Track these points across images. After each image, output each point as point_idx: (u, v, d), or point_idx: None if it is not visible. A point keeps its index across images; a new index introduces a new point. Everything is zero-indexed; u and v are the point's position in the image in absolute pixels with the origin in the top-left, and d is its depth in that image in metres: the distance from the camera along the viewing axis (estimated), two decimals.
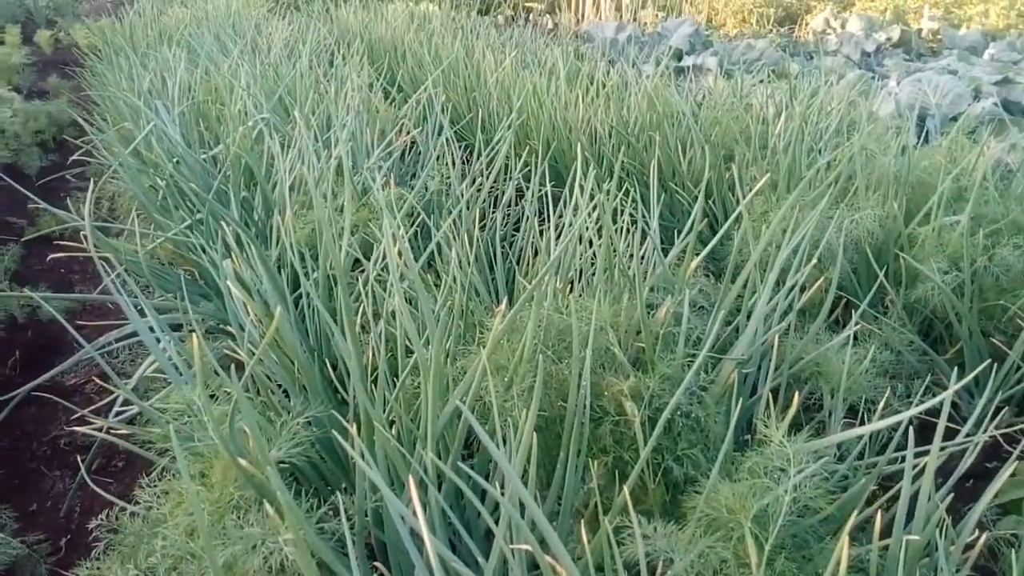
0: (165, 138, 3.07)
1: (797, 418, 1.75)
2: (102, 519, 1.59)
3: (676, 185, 2.97)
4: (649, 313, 1.73)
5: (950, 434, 1.56)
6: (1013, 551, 1.16)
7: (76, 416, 2.14)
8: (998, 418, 1.58)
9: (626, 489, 1.16)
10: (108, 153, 3.48)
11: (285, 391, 1.80)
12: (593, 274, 1.89)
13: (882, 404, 1.53)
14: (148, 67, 4.24)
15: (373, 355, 1.69)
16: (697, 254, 1.92)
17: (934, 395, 2.08)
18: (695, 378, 1.44)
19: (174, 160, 2.94)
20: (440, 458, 1.42)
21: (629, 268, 1.79)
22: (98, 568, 1.53)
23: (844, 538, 0.91)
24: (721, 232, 1.94)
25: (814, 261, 1.75)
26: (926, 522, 1.19)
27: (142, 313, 1.97)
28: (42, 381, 2.27)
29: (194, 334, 1.20)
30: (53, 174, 4.11)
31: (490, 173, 2.70)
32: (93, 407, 2.21)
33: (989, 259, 2.14)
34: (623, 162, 3.09)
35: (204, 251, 2.31)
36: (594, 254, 1.96)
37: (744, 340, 1.63)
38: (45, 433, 2.29)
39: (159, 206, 2.87)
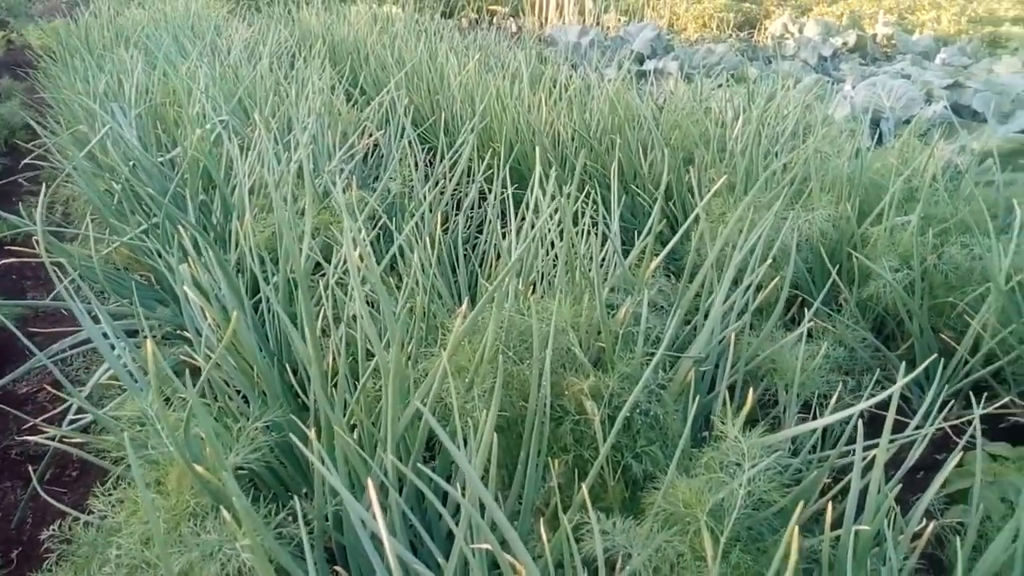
0: (121, 141, 3.01)
1: (754, 414, 1.78)
2: (54, 529, 1.56)
3: (637, 187, 3.00)
4: (610, 313, 1.75)
5: (901, 427, 1.60)
6: (958, 538, 1.20)
7: (28, 425, 2.10)
8: (945, 411, 1.62)
9: (585, 487, 1.18)
10: (62, 156, 3.41)
11: (246, 398, 1.78)
12: (555, 276, 1.90)
13: (835, 399, 1.57)
14: (104, 69, 4.16)
15: (334, 359, 1.68)
16: (657, 255, 1.94)
17: (885, 389, 2.14)
18: (653, 376, 1.46)
19: (130, 163, 2.89)
20: (402, 461, 1.42)
21: (590, 270, 1.81)
22: None
23: (793, 528, 0.93)
24: (680, 233, 1.97)
25: (769, 261, 1.78)
26: (876, 512, 1.22)
27: (96, 319, 1.93)
28: None
29: (148, 340, 1.19)
30: (4, 178, 4.02)
31: (453, 175, 2.70)
32: (46, 416, 2.16)
33: (939, 257, 2.20)
34: (586, 165, 3.12)
35: (160, 255, 2.28)
36: (556, 256, 1.97)
37: (701, 339, 1.65)
38: None
39: (115, 210, 2.82)
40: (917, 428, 1.50)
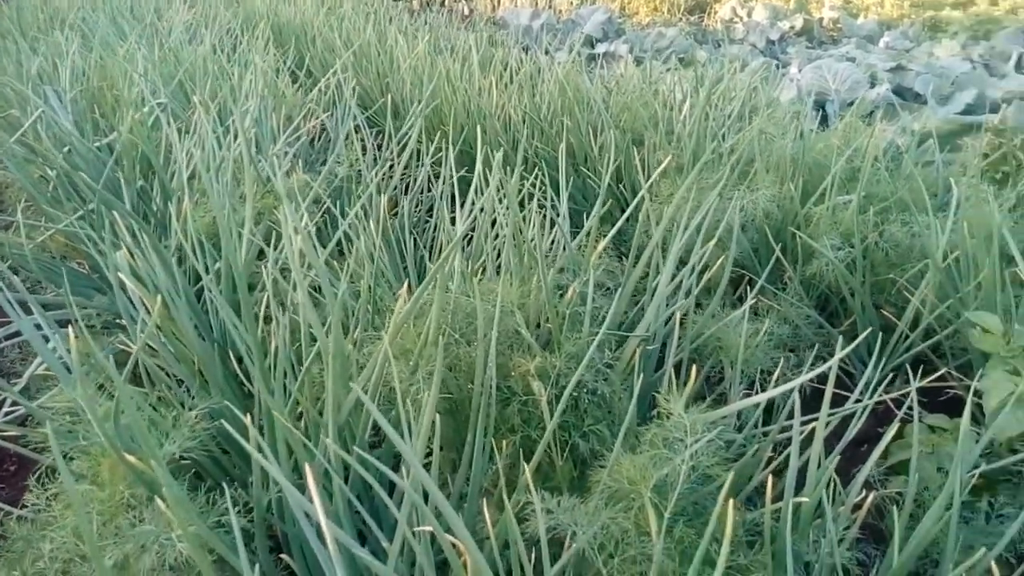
0: (55, 125, 2.91)
1: (701, 391, 1.80)
2: None
3: (588, 169, 3.00)
4: (559, 294, 1.75)
5: (846, 401, 1.63)
6: (896, 508, 1.22)
7: None
8: (885, 384, 1.66)
9: (529, 467, 1.17)
10: None
11: (189, 388, 1.73)
12: (500, 257, 1.89)
13: (777, 374, 1.59)
14: (38, 52, 4.01)
15: (277, 347, 1.65)
16: (604, 236, 1.94)
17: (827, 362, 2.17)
18: (599, 355, 1.46)
19: (65, 148, 2.79)
20: (347, 446, 1.40)
21: (536, 249, 1.80)
22: None
23: (728, 501, 0.94)
24: (627, 214, 1.97)
25: (715, 240, 1.80)
26: (816, 485, 1.24)
27: (28, 310, 1.86)
28: None
29: (75, 328, 1.14)
30: None
31: (401, 159, 2.67)
32: None
33: (879, 235, 2.24)
34: (536, 147, 3.10)
35: (95, 243, 2.20)
36: (504, 239, 1.96)
37: (648, 318, 1.66)
38: None
39: (50, 197, 2.72)
40: (858, 401, 1.53)
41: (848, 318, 2.31)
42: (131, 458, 1.14)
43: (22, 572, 1.34)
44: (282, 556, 1.40)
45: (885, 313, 2.21)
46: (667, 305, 1.73)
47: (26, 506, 1.44)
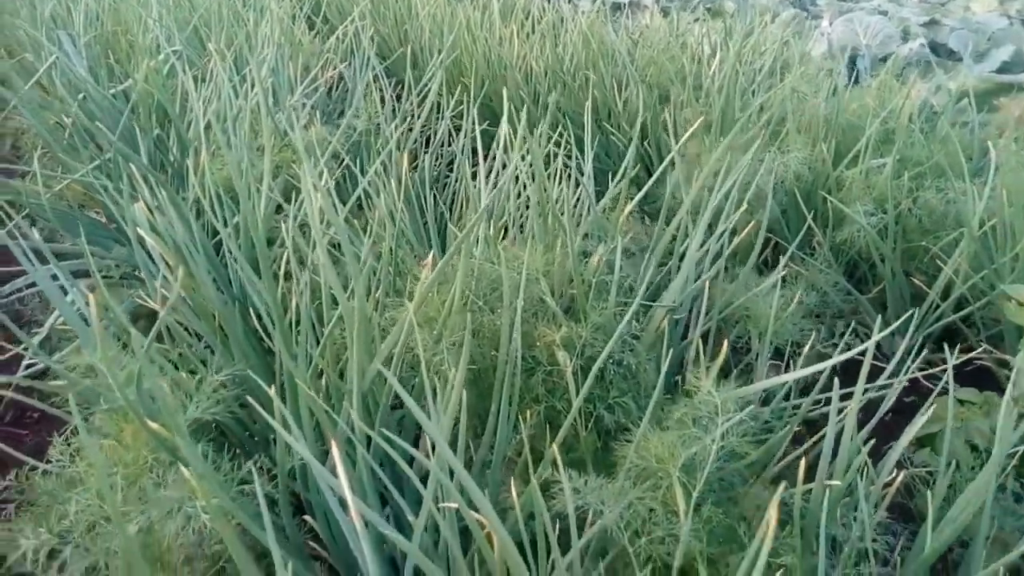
0: (70, 72, 2.85)
1: (726, 361, 1.77)
2: (11, 479, 1.51)
3: (612, 126, 2.92)
4: (584, 260, 1.71)
5: (873, 370, 1.60)
6: (929, 491, 1.20)
7: None
8: (914, 354, 1.62)
9: (555, 443, 1.15)
10: (7, 87, 3.23)
11: (209, 345, 1.72)
12: (526, 221, 1.85)
13: (807, 347, 1.55)
14: None
15: (298, 306, 1.63)
16: (632, 198, 1.89)
17: (857, 335, 2.13)
18: (627, 326, 1.43)
19: (80, 95, 2.74)
20: (370, 412, 1.39)
21: (562, 213, 1.76)
22: (9, 530, 1.46)
23: (757, 482, 0.92)
24: (655, 176, 1.92)
25: (745, 205, 1.74)
26: (848, 464, 1.22)
27: (44, 259, 1.84)
28: None
29: (95, 288, 1.12)
30: None
31: (421, 112, 2.60)
32: (2, 358, 2.08)
33: (913, 201, 2.18)
34: (558, 102, 3.02)
35: (110, 194, 2.18)
36: (527, 199, 1.91)
37: (675, 286, 1.62)
38: None
39: (66, 145, 2.68)
40: (891, 376, 1.49)
41: (877, 285, 2.26)
42: (154, 425, 1.13)
43: (48, 529, 1.34)
44: (305, 518, 1.40)
45: (916, 281, 2.16)
46: (696, 271, 1.69)
47: (51, 461, 1.44)
